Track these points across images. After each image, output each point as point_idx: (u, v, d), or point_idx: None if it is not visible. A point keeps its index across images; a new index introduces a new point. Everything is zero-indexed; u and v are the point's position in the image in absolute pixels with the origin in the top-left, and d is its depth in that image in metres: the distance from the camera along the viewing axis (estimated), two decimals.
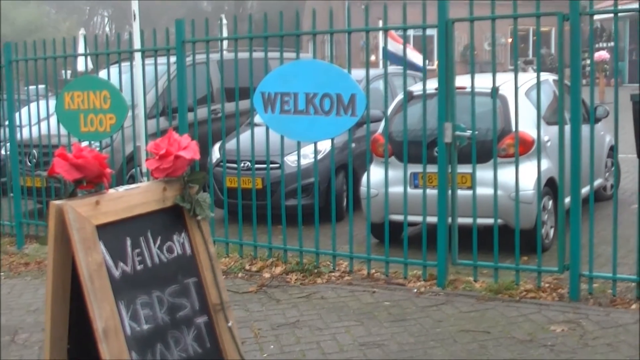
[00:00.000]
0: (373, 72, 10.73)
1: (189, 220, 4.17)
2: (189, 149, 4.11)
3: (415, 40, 41.62)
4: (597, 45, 38.42)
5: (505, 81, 8.81)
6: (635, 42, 39.34)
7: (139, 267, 3.81)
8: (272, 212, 8.46)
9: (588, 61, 37.85)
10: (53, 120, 9.90)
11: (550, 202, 9.05)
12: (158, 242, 3.97)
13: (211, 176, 10.00)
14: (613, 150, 11.65)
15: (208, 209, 4.18)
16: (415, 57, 13.84)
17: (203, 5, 70.33)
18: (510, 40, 43.08)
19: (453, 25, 7.23)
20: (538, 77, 7.09)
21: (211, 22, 8.85)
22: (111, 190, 3.81)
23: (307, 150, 9.95)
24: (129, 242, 3.80)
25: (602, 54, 29.35)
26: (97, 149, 9.42)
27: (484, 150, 8.09)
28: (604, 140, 11.27)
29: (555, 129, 8.40)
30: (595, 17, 6.79)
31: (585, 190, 7.67)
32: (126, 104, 8.92)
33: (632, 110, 6.20)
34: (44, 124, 10.70)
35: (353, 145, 8.55)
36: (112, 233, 3.70)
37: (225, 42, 11.40)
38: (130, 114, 9.12)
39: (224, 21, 23.44)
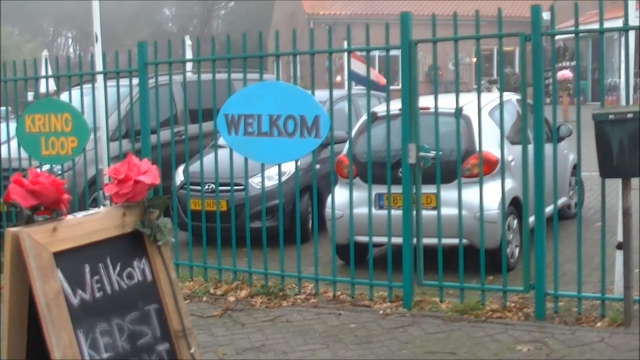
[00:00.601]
0: (337, 93, 10.71)
1: (149, 246, 4.11)
2: (149, 174, 4.04)
3: (379, 61, 41.88)
4: (559, 64, 38.80)
5: (468, 101, 8.83)
6: (598, 61, 39.70)
7: (98, 295, 3.74)
8: (236, 235, 8.40)
9: (551, 80, 38.25)
10: (14, 143, 9.78)
11: (515, 222, 9.06)
12: (118, 268, 3.89)
13: (175, 198, 9.91)
14: (576, 169, 11.84)
15: (169, 234, 4.12)
16: (378, 78, 13.87)
17: (168, 26, 70.27)
18: (474, 60, 43.44)
19: (416, 46, 7.23)
20: (501, 97, 7.10)
21: (175, 43, 8.80)
22: (69, 217, 3.74)
23: (272, 172, 9.91)
24: (87, 269, 3.73)
25: (564, 73, 29.61)
26: (59, 172, 9.32)
27: (449, 170, 8.09)
28: (567, 158, 11.33)
29: (519, 148, 8.42)
30: (557, 36, 6.81)
31: (549, 209, 7.69)
32: (88, 126, 8.83)
33: (595, 129, 6.21)
34: (4, 148, 10.57)
35: (318, 166, 8.55)
36: (70, 260, 3.63)
37: (189, 64, 11.36)
38: (92, 136, 9.02)
39: (188, 42, 23.45)
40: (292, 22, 42.94)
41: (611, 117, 6.11)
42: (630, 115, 6.05)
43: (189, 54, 18.93)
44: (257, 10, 61.22)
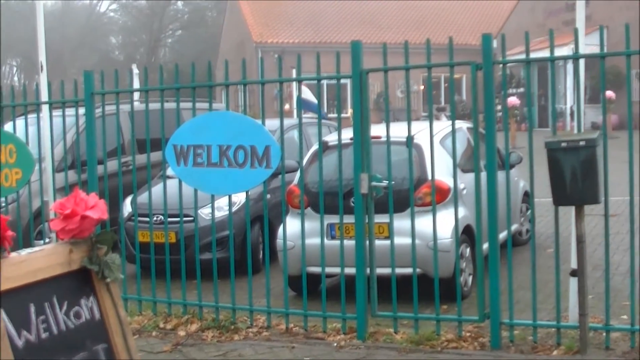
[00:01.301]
0: (287, 122, 10.64)
1: (97, 283, 3.98)
2: (97, 209, 3.92)
3: (329, 89, 41.98)
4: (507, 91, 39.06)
5: (420, 130, 8.80)
6: (544, 88, 40.26)
7: (44, 335, 3.59)
8: (186, 267, 8.24)
9: (499, 107, 38.62)
10: None
11: (468, 250, 9.03)
12: (64, 307, 3.76)
13: (122, 230, 9.74)
14: (527, 196, 11.88)
15: (117, 271, 3.99)
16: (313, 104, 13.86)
17: (114, 54, 69.92)
18: (422, 87, 43.72)
19: (367, 75, 7.17)
20: (453, 125, 7.06)
21: (122, 71, 8.65)
22: (13, 254, 3.59)
23: (222, 203, 9.79)
24: (32, 309, 3.58)
25: (512, 100, 29.96)
26: (3, 205, 9.11)
27: (401, 199, 8.04)
28: (518, 185, 11.37)
29: (470, 176, 8.41)
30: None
31: (502, 236, 7.66)
32: (33, 157, 8.64)
33: (547, 157, 6.19)
34: None
35: (269, 196, 8.42)
36: (14, 300, 3.49)
37: (137, 93, 11.23)
38: (37, 167, 8.83)
39: (135, 71, 23.24)
40: (240, 50, 43.03)
41: (563, 145, 6.09)
42: (582, 143, 6.04)
43: (136, 83, 18.75)
44: (205, 39, 61.27)
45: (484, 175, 6.90)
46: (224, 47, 52.54)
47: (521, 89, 40.39)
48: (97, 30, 69.79)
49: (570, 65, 38.01)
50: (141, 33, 67.68)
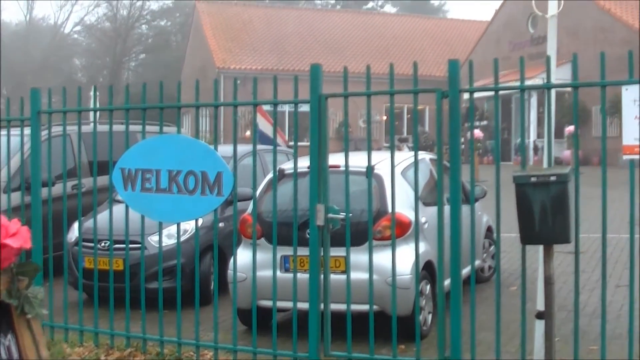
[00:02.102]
0: (243, 148, 10.26)
1: (16, 320, 3.56)
2: (18, 236, 3.50)
3: (289, 116, 41.65)
4: (469, 124, 39.02)
5: (380, 160, 8.46)
6: (507, 121, 40.30)
7: None
8: (133, 296, 7.80)
9: (462, 139, 38.47)
10: None
11: (428, 287, 8.67)
12: None
13: (66, 256, 9.29)
14: (490, 231, 11.57)
15: (40, 307, 3.58)
16: (280, 136, 13.55)
17: (77, 76, 69.36)
18: (385, 118, 43.57)
19: (327, 100, 6.80)
20: (416, 155, 6.71)
21: (85, 93, 8.21)
22: None
23: (173, 230, 9.37)
24: None
25: (475, 133, 29.92)
26: None
27: (359, 232, 7.68)
28: (481, 220, 11.06)
29: (432, 209, 8.09)
30: (465, 96, 6.47)
31: (464, 272, 7.30)
32: None
33: (515, 192, 5.85)
34: None
35: (221, 224, 8.07)
36: None
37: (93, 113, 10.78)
38: None
39: (96, 93, 22.81)
40: (202, 75, 42.58)
41: (533, 179, 5.76)
42: (553, 178, 5.71)
43: (95, 104, 18.34)
44: (169, 63, 60.97)
45: (446, 209, 6.55)
46: (187, 71, 52.23)
47: (484, 122, 40.41)
48: (61, 51, 69.25)
49: (534, 99, 38.26)
50: (105, 55, 67.18)
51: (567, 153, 34.38)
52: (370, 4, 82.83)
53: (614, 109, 33.03)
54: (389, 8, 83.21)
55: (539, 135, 37.59)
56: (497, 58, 6.41)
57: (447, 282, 6.70)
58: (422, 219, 8.47)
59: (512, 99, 39.84)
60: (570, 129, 34.05)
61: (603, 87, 5.96)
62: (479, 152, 29.24)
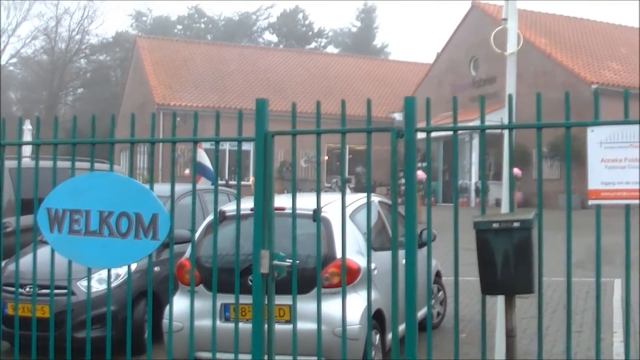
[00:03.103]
0: (181, 187, 9.72)
1: None
2: None
3: (232, 156, 41.16)
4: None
5: (328, 202, 7.99)
6: (448, 163, 40.28)
7: None
8: (59, 346, 7.20)
9: (402, 181, 38.37)
10: None
11: (378, 337, 8.19)
12: None
13: None
14: (439, 276, 11.18)
15: None
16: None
17: (12, 110, 68.15)
18: (326, 158, 43.30)
19: (273, 138, 6.30)
20: (368, 198, 6.24)
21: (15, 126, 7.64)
22: None
23: (104, 274, 8.79)
24: None
25: (418, 174, 29.74)
26: None
27: (305, 279, 7.19)
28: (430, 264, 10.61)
29: (382, 255, 7.65)
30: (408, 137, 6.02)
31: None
32: None
33: (476, 239, 5.43)
34: None
35: (156, 269, 7.52)
36: None
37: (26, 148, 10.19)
38: None
39: (28, 127, 22.10)
40: (141, 111, 41.91)
41: (495, 225, 5.35)
42: (516, 224, 5.31)
43: (28, 139, 17.64)
44: (107, 98, 60.26)
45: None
46: (125, 107, 51.50)
47: (425, 164, 40.34)
48: None
49: (475, 141, 38.24)
50: (41, 89, 66.12)
51: None
52: (313, 44, 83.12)
53: (553, 152, 33.22)
54: (332, 49, 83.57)
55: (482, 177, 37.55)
56: (455, 96, 6.00)
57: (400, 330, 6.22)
58: (372, 265, 8.02)
59: (449, 141, 39.89)
60: (515, 171, 34.09)
61: (568, 128, 5.58)
62: (421, 195, 28.97)
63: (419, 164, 38.56)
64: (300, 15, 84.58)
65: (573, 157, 5.64)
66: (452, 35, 44.44)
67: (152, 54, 49.13)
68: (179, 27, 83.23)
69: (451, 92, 41.24)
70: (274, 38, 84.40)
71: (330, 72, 52.78)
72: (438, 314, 11.03)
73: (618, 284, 13.48)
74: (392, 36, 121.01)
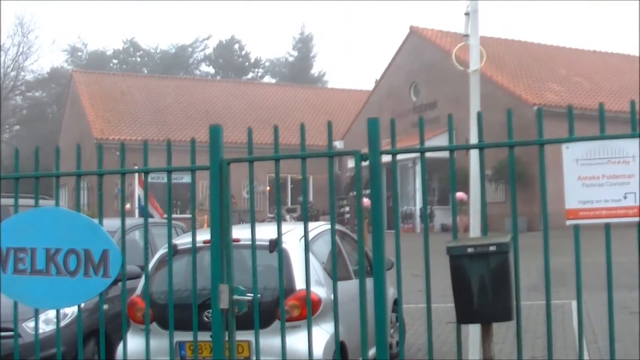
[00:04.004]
0: (128, 222, 9.33)
1: None
2: None
3: (174, 188, 40.56)
4: (355, 193, 38.72)
5: (284, 232, 7.67)
6: (391, 189, 40.15)
7: None
8: None
9: (347, 208, 37.89)
10: None
11: None
12: None
13: None
14: (396, 304, 10.88)
15: None
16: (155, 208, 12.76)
17: None
18: (268, 188, 42.90)
19: (229, 166, 5.98)
20: (332, 226, 5.93)
21: None
22: None
23: (52, 314, 8.37)
24: None
25: (364, 201, 29.64)
26: None
27: (261, 313, 6.83)
28: (388, 293, 10.34)
29: (341, 285, 7.36)
30: (351, 165, 5.78)
31: (372, 352, 6.53)
32: None
33: (450, 265, 5.17)
34: None
35: (106, 306, 7.12)
36: None
37: None
38: None
39: None
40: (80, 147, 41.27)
41: (470, 250, 5.09)
42: (492, 249, 5.06)
43: None
44: (44, 135, 59.30)
45: (354, 283, 5.80)
46: (63, 143, 50.58)
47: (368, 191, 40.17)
48: None
49: (419, 167, 38.06)
50: None
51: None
52: (250, 75, 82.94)
53: (498, 175, 33.24)
54: (269, 79, 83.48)
55: (427, 202, 37.53)
56: (422, 117, 5.76)
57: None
58: (332, 296, 7.71)
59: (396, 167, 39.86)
60: (457, 195, 34.05)
61: (541, 146, 5.37)
62: (369, 221, 28.83)
63: (363, 191, 38.62)
64: (237, 46, 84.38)
65: (517, 179, 5.42)
66: (391, 61, 44.46)
67: (89, 88, 48.47)
68: (115, 61, 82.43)
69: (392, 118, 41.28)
70: (210, 70, 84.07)
71: (268, 102, 52.58)
72: (397, 343, 10.74)
73: (575, 306, 13.35)
74: (330, 64, 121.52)
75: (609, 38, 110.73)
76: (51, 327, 8.48)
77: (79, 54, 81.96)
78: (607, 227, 5.22)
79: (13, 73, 65.38)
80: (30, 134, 62.88)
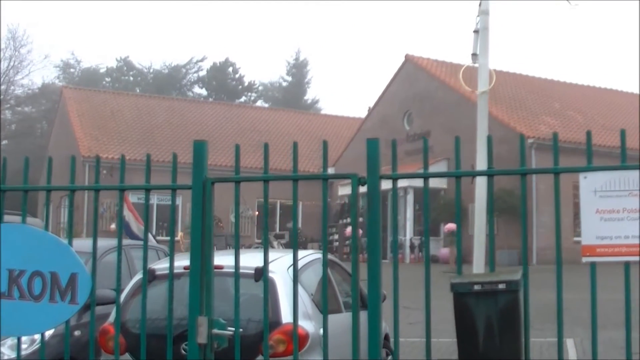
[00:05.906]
0: (106, 243, 8.80)
1: None
2: None
3: (158, 209, 40.01)
4: (344, 221, 38.31)
5: (271, 259, 7.15)
6: (383, 219, 39.69)
7: None
8: None
9: (337, 236, 37.46)
10: None
11: None
12: None
13: None
14: (387, 340, 10.36)
15: None
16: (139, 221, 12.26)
17: None
18: (257, 212, 42.34)
19: (213, 186, 5.46)
20: (324, 255, 5.42)
21: None
22: None
23: (22, 339, 7.79)
24: None
25: (347, 229, 29.31)
26: None
27: (244, 348, 6.27)
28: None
29: (330, 318, 6.83)
30: (341, 192, 5.27)
31: None
32: None
33: (454, 304, 4.67)
34: None
35: (77, 333, 6.60)
36: None
37: None
38: None
39: None
40: (67, 164, 40.72)
41: (477, 288, 4.58)
42: (502, 286, 4.55)
43: None
44: (32, 150, 58.68)
45: (345, 316, 5.28)
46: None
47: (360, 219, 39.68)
48: None
49: (410, 196, 37.74)
50: None
51: (444, 251, 33.86)
52: (243, 98, 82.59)
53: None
54: (261, 103, 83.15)
55: (416, 232, 37.09)
56: (425, 138, 5.27)
57: None
58: (320, 330, 7.18)
59: (387, 196, 39.42)
60: (448, 226, 33.61)
61: (557, 175, 4.88)
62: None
63: (345, 220, 38.03)
64: (231, 69, 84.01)
65: (510, 212, 4.95)
66: (385, 89, 44.11)
67: (79, 105, 47.93)
68: (108, 79, 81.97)
69: (385, 146, 40.67)
70: (203, 91, 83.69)
71: (261, 126, 52.14)
72: None
73: (571, 343, 12.83)
74: (324, 91, 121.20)
75: (608, 75, 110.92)
76: (15, 355, 7.92)
77: (72, 70, 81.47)
78: (627, 265, 4.74)
79: (3, 87, 64.90)
80: (17, 149, 62.24)
